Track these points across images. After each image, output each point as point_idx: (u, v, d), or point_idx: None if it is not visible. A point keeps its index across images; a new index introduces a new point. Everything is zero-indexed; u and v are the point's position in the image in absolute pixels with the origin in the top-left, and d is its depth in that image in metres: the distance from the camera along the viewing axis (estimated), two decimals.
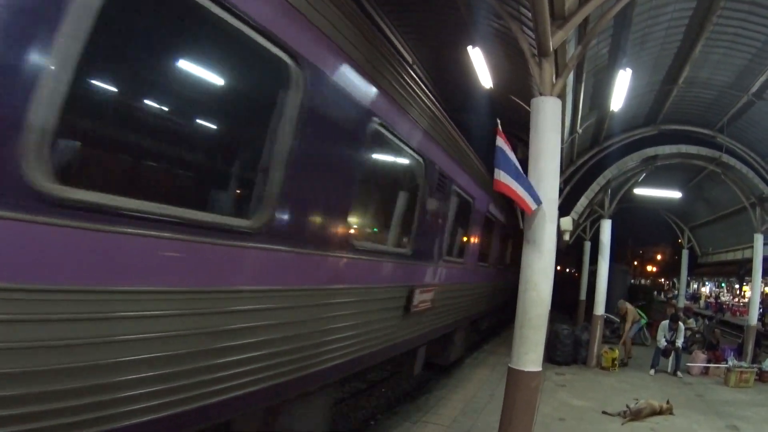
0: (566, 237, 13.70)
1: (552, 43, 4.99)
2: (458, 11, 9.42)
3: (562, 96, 5.42)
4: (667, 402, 8.90)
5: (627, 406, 8.52)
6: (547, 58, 5.06)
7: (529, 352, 4.92)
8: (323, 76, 4.00)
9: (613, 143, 14.64)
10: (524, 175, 6.27)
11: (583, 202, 13.58)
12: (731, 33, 9.68)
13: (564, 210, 12.78)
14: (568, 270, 33.97)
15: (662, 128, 14.60)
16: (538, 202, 6.46)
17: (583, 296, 19.01)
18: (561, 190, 12.22)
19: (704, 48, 10.14)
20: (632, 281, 17.13)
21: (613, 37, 9.21)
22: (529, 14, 6.05)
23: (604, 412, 8.55)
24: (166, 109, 3.26)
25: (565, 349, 12.73)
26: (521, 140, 14.36)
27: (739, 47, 10.11)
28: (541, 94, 5.14)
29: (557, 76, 5.26)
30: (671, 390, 10.61)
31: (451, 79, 13.15)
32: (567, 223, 12.65)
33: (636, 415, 8.33)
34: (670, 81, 11.83)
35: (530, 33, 6.11)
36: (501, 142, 6.34)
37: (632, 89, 9.95)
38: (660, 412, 8.64)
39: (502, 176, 6.47)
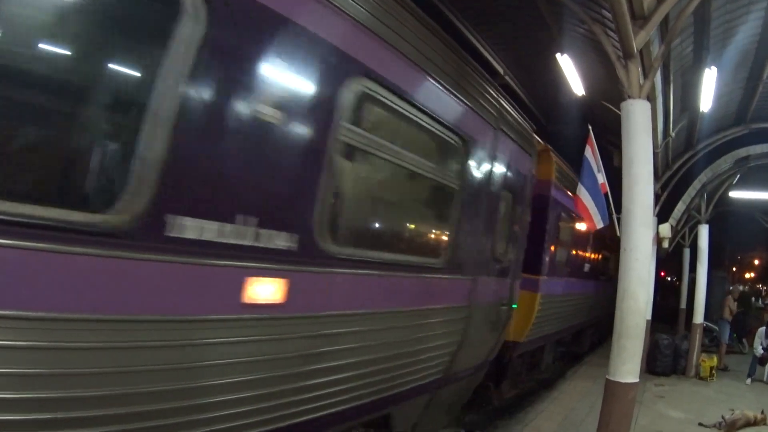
0: (665, 244, 13.11)
1: (635, 44, 4.89)
2: (544, 20, 9.34)
3: (651, 98, 5.28)
4: (762, 412, 8.48)
5: (722, 417, 8.27)
6: (632, 60, 4.97)
7: (627, 362, 4.80)
8: None
9: (706, 145, 13.84)
10: (600, 193, 6.19)
11: (680, 207, 12.96)
12: None
13: (663, 216, 12.31)
14: (669, 278, 32.22)
15: (752, 127, 13.55)
16: (605, 221, 6.37)
17: (683, 305, 17.95)
18: (658, 196, 11.72)
19: None
20: (737, 288, 16.08)
21: (695, 35, 8.75)
22: (611, 16, 5.94)
23: (700, 424, 8.33)
24: None
25: (664, 360, 12.27)
26: (617, 148, 13.88)
27: None
28: (629, 98, 5.03)
29: (644, 77, 5.14)
30: (767, 400, 9.99)
31: (543, 89, 13.00)
32: (665, 230, 12.13)
33: (731, 427, 8.09)
34: (755, 77, 11.02)
35: (614, 35, 6.00)
36: (589, 152, 6.25)
37: (719, 88, 9.36)
38: (755, 423, 8.27)
39: (582, 192, 6.43)
